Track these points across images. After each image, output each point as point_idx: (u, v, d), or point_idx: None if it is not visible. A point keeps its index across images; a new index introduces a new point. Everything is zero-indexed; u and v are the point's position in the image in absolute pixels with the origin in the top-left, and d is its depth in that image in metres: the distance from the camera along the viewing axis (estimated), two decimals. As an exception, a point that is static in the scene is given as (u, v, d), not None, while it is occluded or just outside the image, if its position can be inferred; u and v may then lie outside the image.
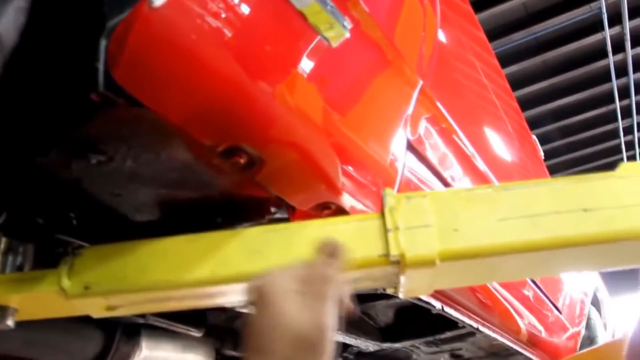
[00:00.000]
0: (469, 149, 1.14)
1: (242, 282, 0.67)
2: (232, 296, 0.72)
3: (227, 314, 1.51)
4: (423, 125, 0.93)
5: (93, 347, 1.04)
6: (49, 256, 0.78)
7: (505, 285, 1.52)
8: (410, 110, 0.86)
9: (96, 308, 0.73)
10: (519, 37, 5.99)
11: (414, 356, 1.93)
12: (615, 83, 6.59)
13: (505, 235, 0.64)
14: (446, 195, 0.67)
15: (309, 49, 0.67)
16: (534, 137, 2.29)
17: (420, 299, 1.15)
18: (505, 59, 6.14)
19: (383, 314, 1.61)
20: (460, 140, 1.10)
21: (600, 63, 6.36)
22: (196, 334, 1.24)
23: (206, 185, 0.77)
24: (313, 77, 0.71)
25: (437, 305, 1.22)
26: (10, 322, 0.75)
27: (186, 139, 0.66)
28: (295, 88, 0.68)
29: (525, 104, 6.70)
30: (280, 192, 0.73)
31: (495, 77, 1.72)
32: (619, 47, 6.20)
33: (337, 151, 0.78)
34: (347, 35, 0.67)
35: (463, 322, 1.39)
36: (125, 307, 0.74)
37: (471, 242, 0.64)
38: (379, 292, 1.24)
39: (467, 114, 1.30)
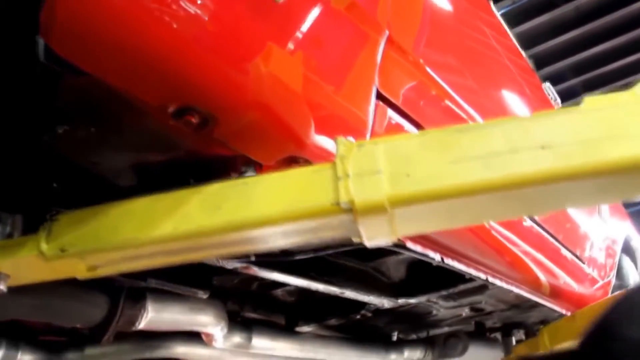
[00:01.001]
0: (453, 96, 1.12)
1: (203, 237, 0.70)
2: (199, 252, 0.74)
3: (240, 276, 1.55)
4: (393, 74, 0.92)
5: (99, 311, 1.10)
6: (38, 225, 0.82)
7: (517, 234, 1.51)
8: (377, 60, 0.86)
9: (77, 269, 0.77)
10: (551, -17, 5.74)
11: (434, 311, 1.94)
12: (656, 24, 6.26)
13: (457, 177, 0.64)
14: (399, 141, 0.67)
15: (254, 4, 0.67)
16: (551, 88, 2.22)
17: (416, 252, 1.15)
18: (536, 9, 5.91)
19: (395, 269, 1.62)
20: (439, 87, 1.08)
21: (638, 4, 6.03)
22: (202, 295, 1.28)
23: (171, 147, 0.79)
24: (267, 34, 0.71)
25: (436, 257, 1.22)
26: (2, 287, 0.80)
27: (140, 103, 0.68)
28: (247, 47, 0.68)
29: (558, 54, 6.45)
30: (241, 148, 0.75)
31: (497, 36, 1.69)
32: (659, -16, 5.87)
33: (300, 104, 0.79)
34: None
35: (469, 273, 1.38)
36: (104, 267, 0.77)
37: (422, 186, 0.64)
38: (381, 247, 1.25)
39: (458, 66, 1.28)
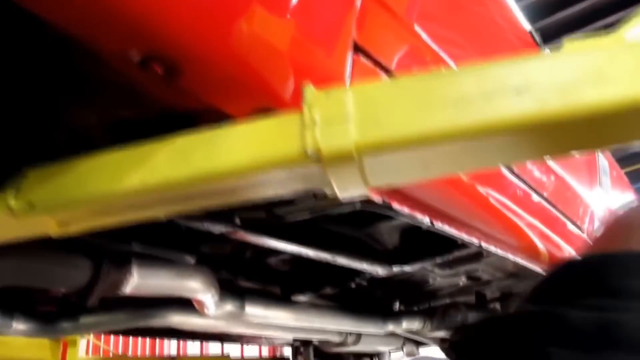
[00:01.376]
0: (447, 62, 1.09)
1: (170, 189, 0.68)
2: (169, 206, 0.72)
3: (231, 244, 1.54)
4: (375, 29, 0.89)
5: (82, 275, 1.09)
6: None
7: (513, 200, 1.48)
8: (355, 9, 0.83)
9: (48, 226, 0.76)
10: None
11: (430, 280, 1.93)
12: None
13: (427, 123, 0.61)
14: (369, 87, 0.64)
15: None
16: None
17: (403, 213, 1.13)
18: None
19: (389, 236, 1.61)
20: (432, 52, 1.05)
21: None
22: (190, 261, 1.27)
23: (142, 101, 0.77)
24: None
25: (425, 220, 1.20)
26: (-25, 246, 0.79)
27: (101, 52, 0.66)
28: None
29: (564, 27, 6.34)
30: (210, 99, 0.73)
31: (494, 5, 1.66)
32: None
33: (282, 59, 0.77)
34: None
35: (461, 238, 1.36)
36: (75, 223, 0.76)
37: (391, 132, 0.62)
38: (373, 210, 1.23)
39: (453, 34, 1.25)
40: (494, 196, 1.41)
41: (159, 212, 0.74)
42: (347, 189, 0.69)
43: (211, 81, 0.72)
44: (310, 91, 0.65)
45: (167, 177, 0.67)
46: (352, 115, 0.62)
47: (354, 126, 0.62)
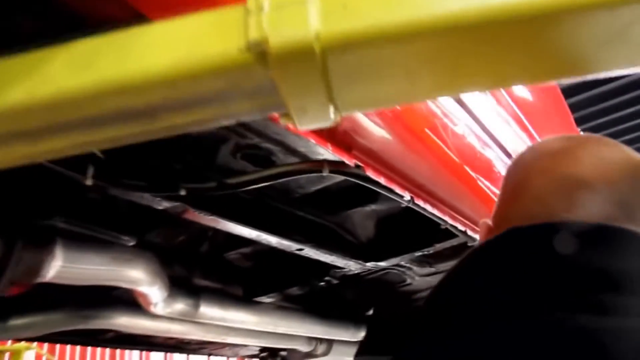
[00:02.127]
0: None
1: (66, 104, 0.50)
2: (67, 135, 0.54)
3: (186, 232, 1.37)
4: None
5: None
6: None
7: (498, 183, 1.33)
8: None
9: None
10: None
11: (408, 279, 1.76)
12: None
13: (414, 8, 0.45)
14: (338, -31, 0.48)
15: None
16: None
17: (380, 184, 0.97)
18: None
19: (362, 227, 1.44)
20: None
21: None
22: (127, 242, 1.08)
23: (49, 8, 0.60)
24: None
25: (406, 195, 1.04)
26: None
27: None
28: None
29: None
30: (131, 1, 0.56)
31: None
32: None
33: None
34: None
35: (444, 221, 1.20)
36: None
37: (367, 20, 0.45)
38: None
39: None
40: (483, 181, 1.26)
41: (57, 144, 0.56)
42: (307, 110, 0.52)
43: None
44: (257, -28, 0.48)
45: (62, 87, 0.49)
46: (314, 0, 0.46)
47: (316, 10, 0.45)
